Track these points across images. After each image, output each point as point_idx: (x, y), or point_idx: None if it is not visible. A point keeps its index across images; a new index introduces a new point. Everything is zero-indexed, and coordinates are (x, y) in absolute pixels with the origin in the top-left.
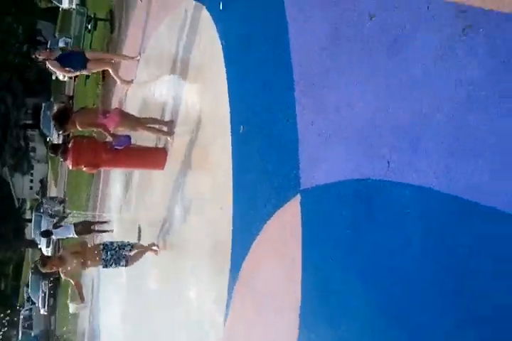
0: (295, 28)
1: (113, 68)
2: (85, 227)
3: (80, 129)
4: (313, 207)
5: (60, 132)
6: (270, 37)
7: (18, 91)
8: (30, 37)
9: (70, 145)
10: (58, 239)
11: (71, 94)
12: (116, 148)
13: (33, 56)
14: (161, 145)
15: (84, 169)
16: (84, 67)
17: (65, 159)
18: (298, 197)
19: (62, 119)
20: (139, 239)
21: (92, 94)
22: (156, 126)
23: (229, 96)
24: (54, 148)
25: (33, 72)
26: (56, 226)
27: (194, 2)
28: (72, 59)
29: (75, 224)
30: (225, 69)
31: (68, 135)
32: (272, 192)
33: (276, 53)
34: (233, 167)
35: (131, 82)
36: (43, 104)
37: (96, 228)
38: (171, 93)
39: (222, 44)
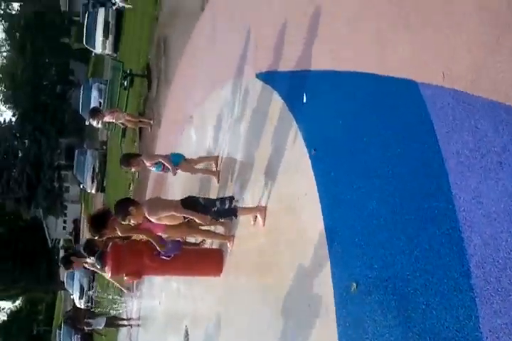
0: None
1: None
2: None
3: (121, 234)
4: None
5: (96, 237)
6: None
7: (52, 132)
8: (63, 77)
9: (108, 249)
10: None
11: (105, 139)
12: (163, 258)
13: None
14: (215, 246)
15: (125, 278)
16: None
17: (103, 266)
18: None
19: (100, 225)
20: None
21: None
22: (212, 228)
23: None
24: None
25: (67, 113)
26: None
27: (259, 82)
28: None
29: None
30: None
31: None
32: None
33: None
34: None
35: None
36: (76, 151)
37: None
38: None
39: (310, 153)
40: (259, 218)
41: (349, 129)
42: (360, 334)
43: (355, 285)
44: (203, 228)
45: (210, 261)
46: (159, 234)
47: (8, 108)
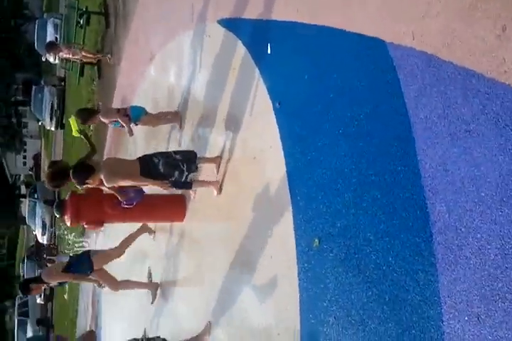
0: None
1: None
2: None
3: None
4: None
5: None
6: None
7: (6, 67)
8: (17, 11)
9: (67, 198)
10: (54, 228)
11: (63, 75)
12: (125, 206)
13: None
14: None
15: (85, 226)
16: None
17: (62, 215)
18: None
19: (60, 181)
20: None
21: (86, 90)
22: None
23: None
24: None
25: (22, 47)
26: None
27: (221, 28)
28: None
29: None
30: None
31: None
32: None
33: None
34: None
35: None
36: (34, 87)
37: None
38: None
39: (275, 105)
40: (214, 189)
41: (315, 85)
42: (321, 289)
43: (317, 241)
44: None
45: (173, 207)
46: None
47: None
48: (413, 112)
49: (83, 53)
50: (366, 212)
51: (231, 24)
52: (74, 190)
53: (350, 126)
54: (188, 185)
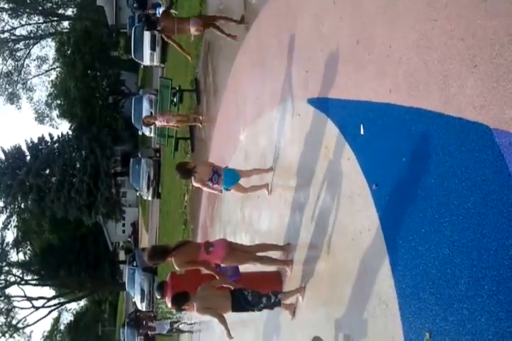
0: None
1: None
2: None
3: (179, 270)
4: None
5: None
6: None
7: (107, 142)
8: (115, 88)
9: (167, 280)
10: (152, 294)
11: (157, 147)
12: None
13: None
14: (272, 269)
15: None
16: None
17: (163, 296)
18: None
19: (158, 260)
20: None
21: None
22: (268, 254)
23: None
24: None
25: (120, 122)
26: None
27: (311, 107)
28: None
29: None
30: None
31: None
32: None
33: None
34: None
35: None
36: (131, 159)
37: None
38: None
39: (371, 187)
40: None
41: (414, 169)
42: None
43: (428, 335)
44: (260, 254)
45: (270, 283)
46: (217, 262)
47: (65, 121)
48: None
49: (177, 118)
50: (483, 308)
51: (321, 103)
52: (173, 271)
53: (457, 214)
54: (276, 304)
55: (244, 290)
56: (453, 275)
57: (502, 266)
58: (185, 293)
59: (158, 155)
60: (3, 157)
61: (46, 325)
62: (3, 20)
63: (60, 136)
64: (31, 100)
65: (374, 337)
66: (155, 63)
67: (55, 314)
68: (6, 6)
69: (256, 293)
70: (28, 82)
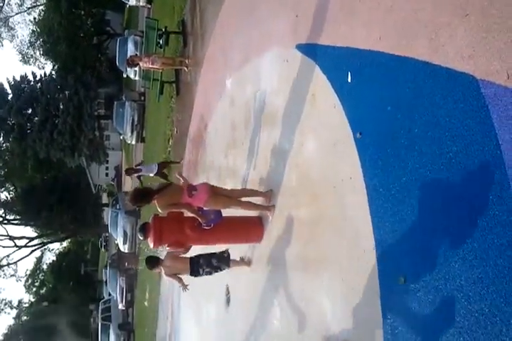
0: None
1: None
2: None
3: (162, 212)
4: None
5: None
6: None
7: (92, 83)
8: (99, 28)
9: (150, 221)
10: (134, 237)
11: (142, 90)
12: (205, 228)
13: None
14: (254, 214)
15: (167, 249)
16: None
17: (146, 238)
18: None
19: (141, 202)
20: None
21: (166, 106)
22: (251, 199)
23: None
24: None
25: (105, 63)
26: None
27: (299, 53)
28: None
29: None
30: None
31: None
32: None
33: None
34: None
35: None
36: (115, 103)
37: None
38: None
39: (355, 135)
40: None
41: (399, 118)
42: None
43: (402, 279)
44: (243, 199)
45: (251, 228)
46: (200, 205)
47: (48, 60)
48: (509, 156)
49: (163, 61)
50: (460, 257)
51: (309, 49)
52: (156, 213)
53: (438, 163)
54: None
55: (200, 256)
56: (431, 223)
57: (481, 214)
58: (156, 259)
59: (142, 98)
60: None
61: (29, 264)
62: None
63: (43, 75)
64: (13, 37)
65: (352, 279)
66: (141, 3)
67: (37, 254)
68: None
69: (207, 256)
70: (11, 19)
